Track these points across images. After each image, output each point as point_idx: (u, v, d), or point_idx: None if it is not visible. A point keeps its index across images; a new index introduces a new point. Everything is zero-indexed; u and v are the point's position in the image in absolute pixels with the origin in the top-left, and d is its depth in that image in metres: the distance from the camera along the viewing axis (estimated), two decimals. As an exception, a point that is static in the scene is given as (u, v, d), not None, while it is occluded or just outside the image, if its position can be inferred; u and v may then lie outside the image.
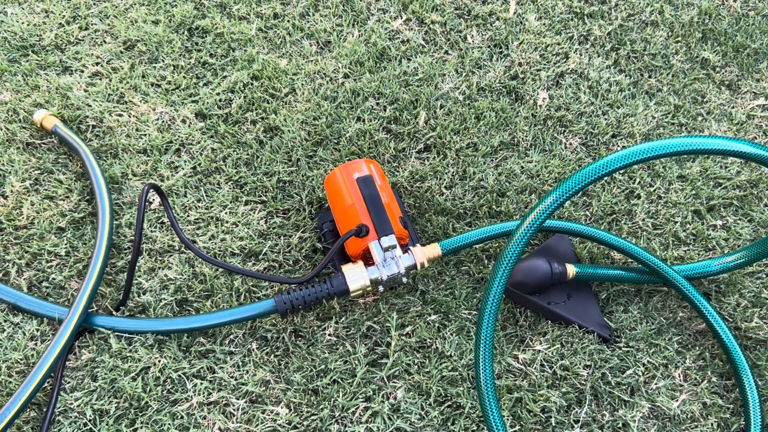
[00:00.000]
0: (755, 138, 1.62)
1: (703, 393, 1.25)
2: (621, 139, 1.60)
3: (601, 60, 1.73)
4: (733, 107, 1.68)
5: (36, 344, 1.23)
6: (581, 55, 1.74)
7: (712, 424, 1.22)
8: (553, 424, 1.19)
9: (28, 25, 1.67)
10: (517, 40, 1.75)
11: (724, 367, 1.29)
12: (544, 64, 1.71)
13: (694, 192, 1.51)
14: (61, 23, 1.69)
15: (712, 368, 1.29)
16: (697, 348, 1.31)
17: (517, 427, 1.19)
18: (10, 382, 1.18)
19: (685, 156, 1.51)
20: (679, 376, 1.27)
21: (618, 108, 1.65)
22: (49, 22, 1.68)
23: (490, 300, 1.09)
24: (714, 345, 1.31)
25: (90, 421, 1.14)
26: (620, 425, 1.21)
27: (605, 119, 1.62)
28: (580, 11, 1.82)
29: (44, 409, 1.16)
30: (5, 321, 1.25)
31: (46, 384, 1.17)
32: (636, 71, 1.72)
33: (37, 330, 1.24)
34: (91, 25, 1.69)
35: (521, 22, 1.79)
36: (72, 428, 1.13)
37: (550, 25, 1.79)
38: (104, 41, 1.67)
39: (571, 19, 1.81)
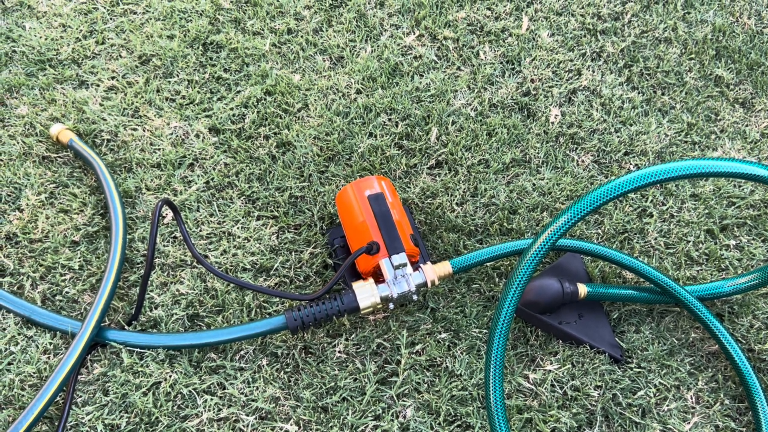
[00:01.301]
0: (769, 157, 1.61)
1: (715, 416, 1.24)
2: (634, 156, 1.59)
3: (613, 77, 1.73)
4: (747, 125, 1.67)
5: (49, 358, 1.24)
6: (594, 71, 1.74)
7: (724, 448, 1.21)
8: (564, 446, 1.19)
9: (45, 39, 1.69)
10: (530, 56, 1.75)
11: (737, 389, 1.28)
12: (557, 81, 1.71)
13: (707, 211, 1.50)
14: (78, 38, 1.71)
15: (725, 390, 1.27)
16: (710, 370, 1.30)
17: (526, 448, 1.19)
18: (23, 395, 1.19)
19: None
20: (691, 398, 1.26)
21: (631, 125, 1.64)
22: (66, 37, 1.70)
23: (501, 319, 1.09)
24: (727, 367, 1.30)
25: (101, 435, 1.15)
26: (631, 447, 1.20)
27: (618, 137, 1.62)
28: (593, 28, 1.82)
29: (56, 423, 1.17)
30: (19, 334, 1.26)
31: (58, 398, 1.18)
32: (649, 88, 1.72)
33: (50, 343, 1.25)
34: (108, 39, 1.71)
35: (534, 39, 1.79)
36: (83, 443, 1.14)
37: (562, 42, 1.79)
38: (120, 56, 1.69)
39: (584, 36, 1.81)
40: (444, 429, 1.19)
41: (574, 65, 1.74)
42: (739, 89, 1.74)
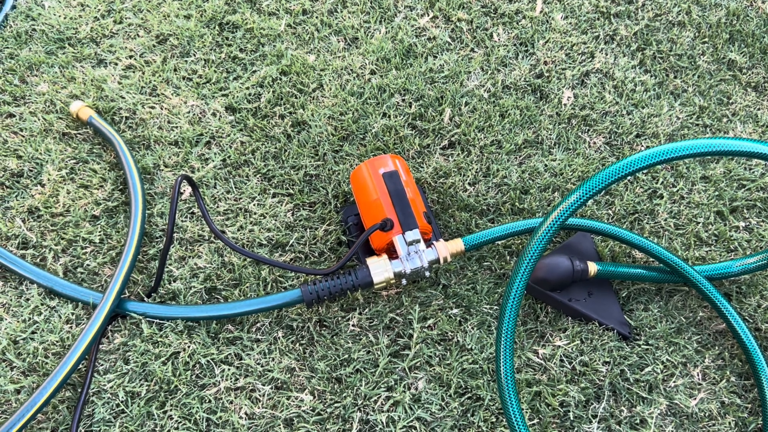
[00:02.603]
0: (781, 140, 1.62)
1: (721, 392, 1.26)
2: (645, 139, 1.61)
3: (626, 60, 1.74)
4: (759, 109, 1.68)
5: (71, 327, 1.27)
6: (607, 54, 1.75)
7: (729, 423, 1.23)
8: (572, 418, 1.21)
9: (64, 18, 1.72)
10: (543, 38, 1.76)
11: (743, 367, 1.30)
12: (570, 63, 1.72)
13: (717, 193, 1.52)
14: (96, 17, 1.73)
15: (731, 368, 1.30)
16: (717, 348, 1.32)
17: (535, 421, 1.21)
18: (47, 363, 1.22)
19: (709, 157, 1.52)
20: (698, 375, 1.28)
21: (643, 108, 1.65)
22: (84, 16, 1.73)
23: (512, 295, 1.11)
24: (733, 345, 1.32)
25: (122, 402, 1.19)
26: (638, 421, 1.22)
27: (630, 119, 1.63)
28: (607, 11, 1.82)
29: (79, 390, 1.21)
30: (42, 304, 1.29)
31: (80, 366, 1.22)
32: (662, 71, 1.73)
33: (73, 314, 1.29)
34: (125, 18, 1.74)
35: (547, 21, 1.80)
36: (105, 409, 1.18)
37: (576, 24, 1.80)
38: (138, 35, 1.71)
39: (598, 19, 1.81)
40: (455, 401, 1.22)
41: (587, 48, 1.75)
42: (752, 73, 1.74)
